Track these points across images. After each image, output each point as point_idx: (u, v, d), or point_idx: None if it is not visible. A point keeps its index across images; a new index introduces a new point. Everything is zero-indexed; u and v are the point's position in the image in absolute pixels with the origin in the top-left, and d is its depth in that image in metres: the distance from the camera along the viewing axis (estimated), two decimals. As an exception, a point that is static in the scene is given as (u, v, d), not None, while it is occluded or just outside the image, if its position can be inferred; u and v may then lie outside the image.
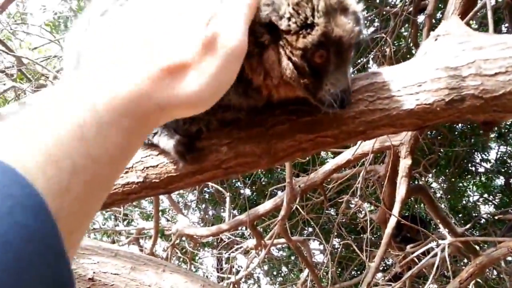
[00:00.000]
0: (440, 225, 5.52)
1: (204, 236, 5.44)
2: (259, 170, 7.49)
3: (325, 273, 6.70)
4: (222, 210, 7.74)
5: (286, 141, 1.27)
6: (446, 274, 6.16)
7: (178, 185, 1.39)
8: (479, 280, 5.37)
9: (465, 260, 6.29)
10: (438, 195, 8.01)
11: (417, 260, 5.31)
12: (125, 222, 7.49)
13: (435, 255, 5.01)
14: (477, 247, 5.50)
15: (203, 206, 8.86)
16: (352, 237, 7.22)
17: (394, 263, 6.56)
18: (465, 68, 1.19)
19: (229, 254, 6.15)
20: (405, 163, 4.69)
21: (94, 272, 2.64)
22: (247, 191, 8.71)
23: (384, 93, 1.24)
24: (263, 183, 8.12)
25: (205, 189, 8.19)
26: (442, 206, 7.67)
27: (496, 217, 7.27)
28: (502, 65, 1.16)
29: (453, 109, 1.21)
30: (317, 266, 7.21)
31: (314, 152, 1.44)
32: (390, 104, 1.24)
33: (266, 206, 5.19)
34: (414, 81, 1.23)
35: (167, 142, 1.32)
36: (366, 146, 4.82)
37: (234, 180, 8.13)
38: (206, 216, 9.03)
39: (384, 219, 5.85)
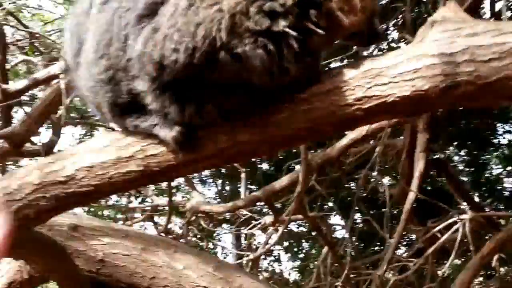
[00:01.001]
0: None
1: (220, 212, 5.54)
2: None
3: (345, 250, 6.76)
4: (238, 185, 7.81)
5: (285, 129, 1.33)
6: (470, 249, 6.22)
7: (178, 173, 1.45)
8: (502, 255, 5.40)
9: (490, 235, 6.31)
10: (461, 167, 8.01)
11: (440, 236, 5.36)
12: (139, 199, 7.57)
13: (457, 230, 5.08)
14: (502, 222, 5.53)
15: (219, 181, 8.93)
16: (373, 211, 7.23)
17: (417, 238, 6.58)
18: (460, 55, 1.24)
19: (247, 231, 6.23)
20: (422, 137, 4.72)
21: (104, 254, 2.71)
22: (265, 166, 8.77)
23: (381, 79, 1.29)
24: (281, 157, 8.15)
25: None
26: (465, 179, 7.69)
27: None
28: (495, 51, 1.20)
29: (448, 96, 1.25)
30: (338, 242, 7.26)
31: (312, 139, 1.51)
32: (387, 90, 1.28)
33: (282, 182, 5.26)
34: (410, 68, 1.28)
35: (166, 133, 1.37)
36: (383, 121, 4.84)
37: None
38: (223, 191, 9.10)
39: (403, 194, 5.89)
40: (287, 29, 1.21)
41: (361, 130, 5.04)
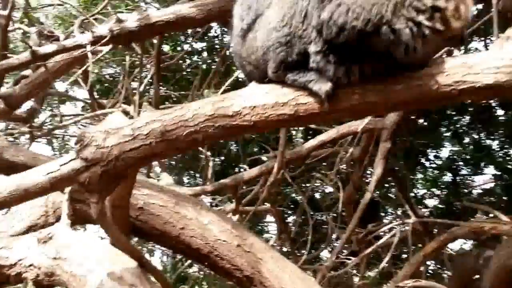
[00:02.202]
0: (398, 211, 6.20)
1: (190, 195, 5.95)
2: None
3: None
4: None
5: (402, 97, 1.86)
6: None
7: (319, 118, 1.99)
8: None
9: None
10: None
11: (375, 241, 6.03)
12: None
13: (394, 235, 5.75)
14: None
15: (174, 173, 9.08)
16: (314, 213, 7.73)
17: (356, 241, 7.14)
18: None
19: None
20: (384, 145, 5.37)
21: (144, 202, 3.14)
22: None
23: (472, 70, 1.86)
24: (233, 154, 8.57)
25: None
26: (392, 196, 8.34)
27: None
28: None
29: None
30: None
31: (416, 108, 2.09)
32: (476, 78, 1.84)
33: (251, 172, 5.78)
34: (493, 65, 1.83)
35: (320, 87, 1.88)
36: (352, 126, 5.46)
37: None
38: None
39: (350, 199, 6.52)
40: (424, 21, 1.78)
41: (331, 134, 5.66)
